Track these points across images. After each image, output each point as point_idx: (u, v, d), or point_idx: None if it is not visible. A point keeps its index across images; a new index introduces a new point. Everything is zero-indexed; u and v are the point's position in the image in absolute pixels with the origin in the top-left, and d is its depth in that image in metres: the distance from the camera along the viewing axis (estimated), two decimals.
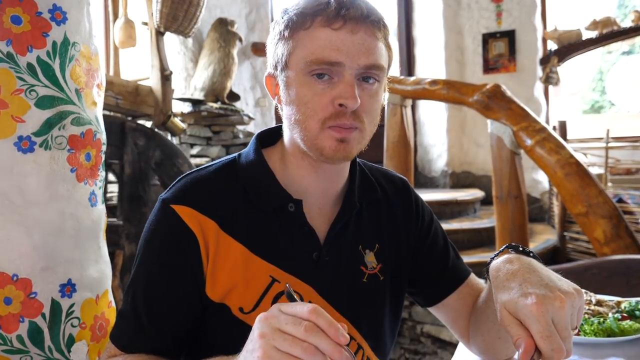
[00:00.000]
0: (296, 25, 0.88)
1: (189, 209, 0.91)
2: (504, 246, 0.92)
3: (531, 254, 0.89)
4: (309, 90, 0.88)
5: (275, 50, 0.92)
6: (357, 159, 1.04)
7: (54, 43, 1.12)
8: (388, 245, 1.04)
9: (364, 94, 0.88)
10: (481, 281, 1.14)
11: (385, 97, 0.97)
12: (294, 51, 0.88)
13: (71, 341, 1.17)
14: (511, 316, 0.77)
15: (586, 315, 1.15)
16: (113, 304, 1.31)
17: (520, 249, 0.90)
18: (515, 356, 0.74)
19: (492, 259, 0.91)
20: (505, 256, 0.88)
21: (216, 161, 1.01)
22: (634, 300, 1.21)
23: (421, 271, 1.09)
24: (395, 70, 5.79)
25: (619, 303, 1.21)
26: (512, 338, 0.76)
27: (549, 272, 0.83)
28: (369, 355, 1.01)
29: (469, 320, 1.08)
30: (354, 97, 0.85)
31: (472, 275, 1.12)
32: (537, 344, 0.73)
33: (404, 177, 1.14)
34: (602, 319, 1.11)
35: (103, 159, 1.27)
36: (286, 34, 0.89)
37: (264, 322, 0.66)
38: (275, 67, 0.93)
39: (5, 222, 1.09)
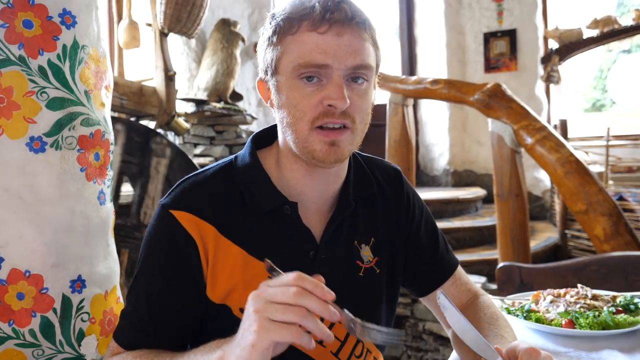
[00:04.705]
0: (283, 31, 0.90)
1: (188, 214, 0.93)
2: None
3: None
4: (298, 93, 0.89)
5: (265, 55, 0.94)
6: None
7: (64, 46, 1.15)
8: (383, 238, 1.06)
9: (354, 94, 0.90)
10: (467, 276, 1.17)
11: (374, 94, 0.98)
12: (283, 56, 0.90)
13: (81, 335, 1.20)
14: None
15: (582, 309, 1.17)
16: (121, 299, 1.34)
17: None
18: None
19: None
20: None
21: (213, 164, 1.02)
22: (629, 294, 1.23)
23: (413, 262, 1.11)
24: (396, 70, 5.80)
25: (614, 297, 1.23)
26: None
27: None
28: (368, 347, 1.04)
29: None
30: (343, 97, 0.87)
31: (459, 268, 1.16)
32: None
33: (398, 167, 1.15)
34: (597, 313, 1.13)
35: (111, 158, 1.30)
36: (274, 39, 0.91)
37: (256, 298, 0.71)
38: (266, 72, 0.95)
39: (18, 220, 1.12)
